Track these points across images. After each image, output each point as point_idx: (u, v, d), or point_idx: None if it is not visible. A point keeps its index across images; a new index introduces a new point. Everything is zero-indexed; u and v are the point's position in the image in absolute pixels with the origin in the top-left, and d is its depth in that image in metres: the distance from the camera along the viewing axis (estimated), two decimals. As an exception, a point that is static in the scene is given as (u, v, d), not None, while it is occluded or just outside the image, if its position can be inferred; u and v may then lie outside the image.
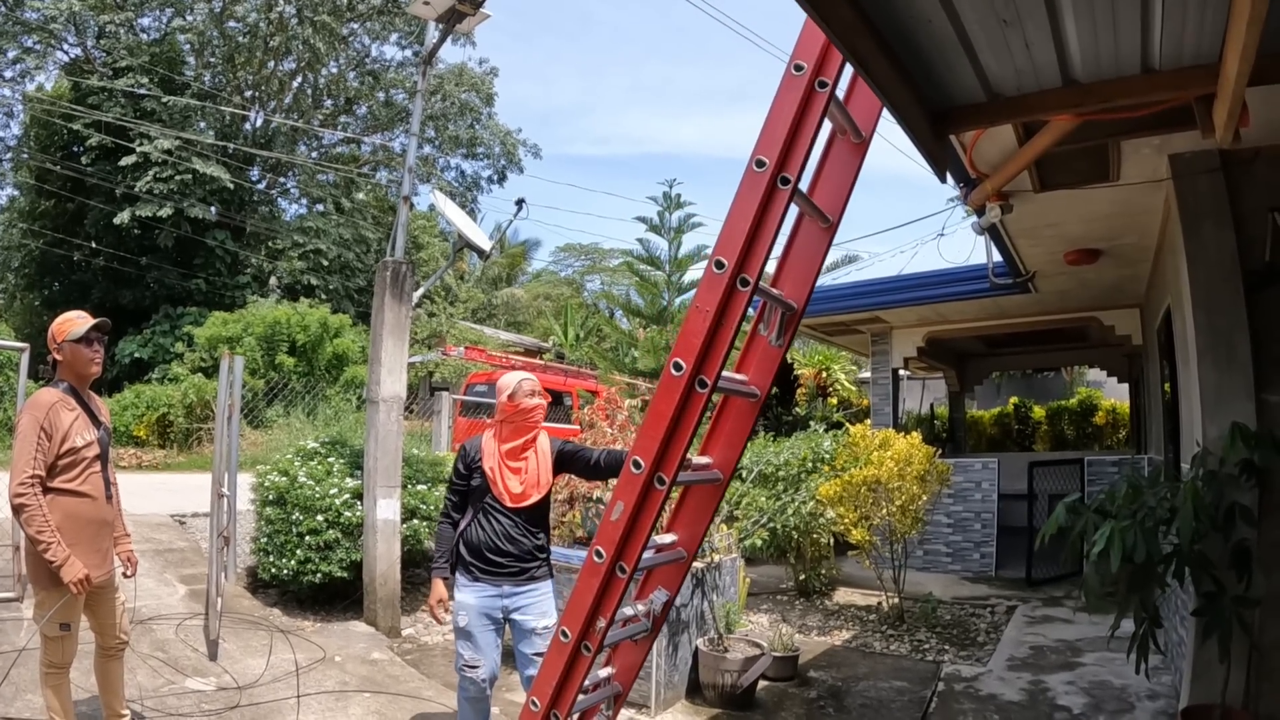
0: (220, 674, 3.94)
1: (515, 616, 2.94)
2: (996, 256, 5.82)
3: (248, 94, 21.75)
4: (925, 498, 5.40)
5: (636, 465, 2.22)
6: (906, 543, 5.71)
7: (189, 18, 19.75)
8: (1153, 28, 2.18)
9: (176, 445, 14.12)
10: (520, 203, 6.37)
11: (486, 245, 6.43)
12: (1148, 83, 2.46)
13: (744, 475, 6.69)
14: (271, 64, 21.42)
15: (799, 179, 2.19)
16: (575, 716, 2.52)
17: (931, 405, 13.33)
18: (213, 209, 19.08)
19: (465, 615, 2.92)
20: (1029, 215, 4.60)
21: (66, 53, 19.86)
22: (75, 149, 18.94)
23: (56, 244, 19.01)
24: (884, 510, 5.31)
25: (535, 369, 13.22)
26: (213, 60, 21.02)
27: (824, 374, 14.55)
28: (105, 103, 18.10)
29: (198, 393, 14.15)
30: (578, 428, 6.36)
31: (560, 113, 70.04)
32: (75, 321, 2.92)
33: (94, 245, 18.86)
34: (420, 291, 5.58)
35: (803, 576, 6.39)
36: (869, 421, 7.80)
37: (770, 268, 2.38)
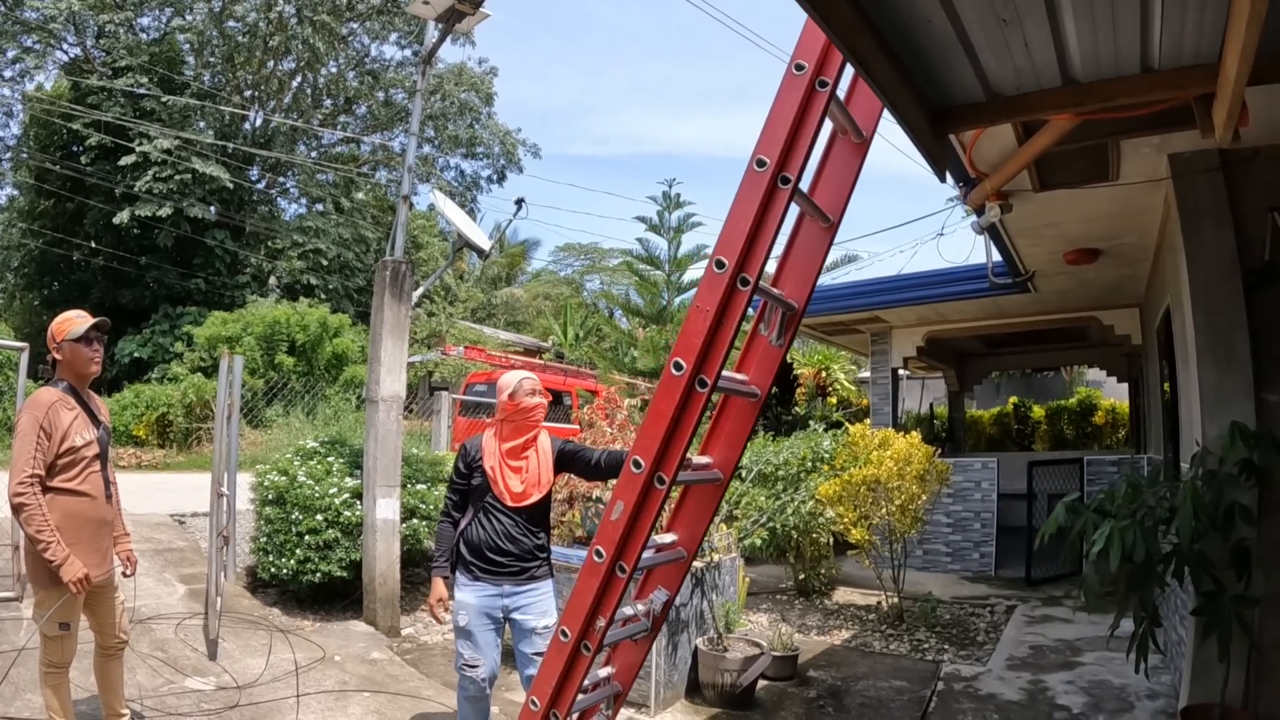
0: (220, 673, 3.94)
1: (515, 616, 2.94)
2: (996, 256, 5.82)
3: (247, 94, 21.75)
4: (925, 497, 5.41)
5: (636, 465, 2.22)
6: (906, 542, 5.71)
7: (188, 17, 19.74)
8: (1152, 27, 2.18)
9: (176, 445, 14.12)
10: (520, 202, 6.39)
11: (486, 245, 6.43)
12: (1147, 82, 2.47)
13: (744, 475, 6.69)
14: (271, 63, 21.42)
15: (799, 178, 2.18)
16: (575, 716, 2.52)
17: (931, 405, 13.33)
18: (212, 209, 19.07)
19: (465, 614, 2.92)
20: (1028, 215, 4.60)
21: (66, 52, 19.87)
22: (75, 149, 18.93)
23: (56, 243, 19.00)
24: (883, 510, 5.31)
25: (535, 368, 13.22)
26: (212, 60, 21.02)
27: (823, 373, 14.55)
28: (105, 102, 18.10)
29: (197, 392, 14.14)
30: (577, 427, 6.36)
31: (560, 113, 70.13)
32: (74, 321, 2.92)
33: (93, 245, 18.86)
34: (420, 291, 5.58)
35: (802, 576, 6.39)
36: (868, 421, 7.80)
37: (771, 267, 2.38)
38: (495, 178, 25.95)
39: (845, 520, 5.40)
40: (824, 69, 2.19)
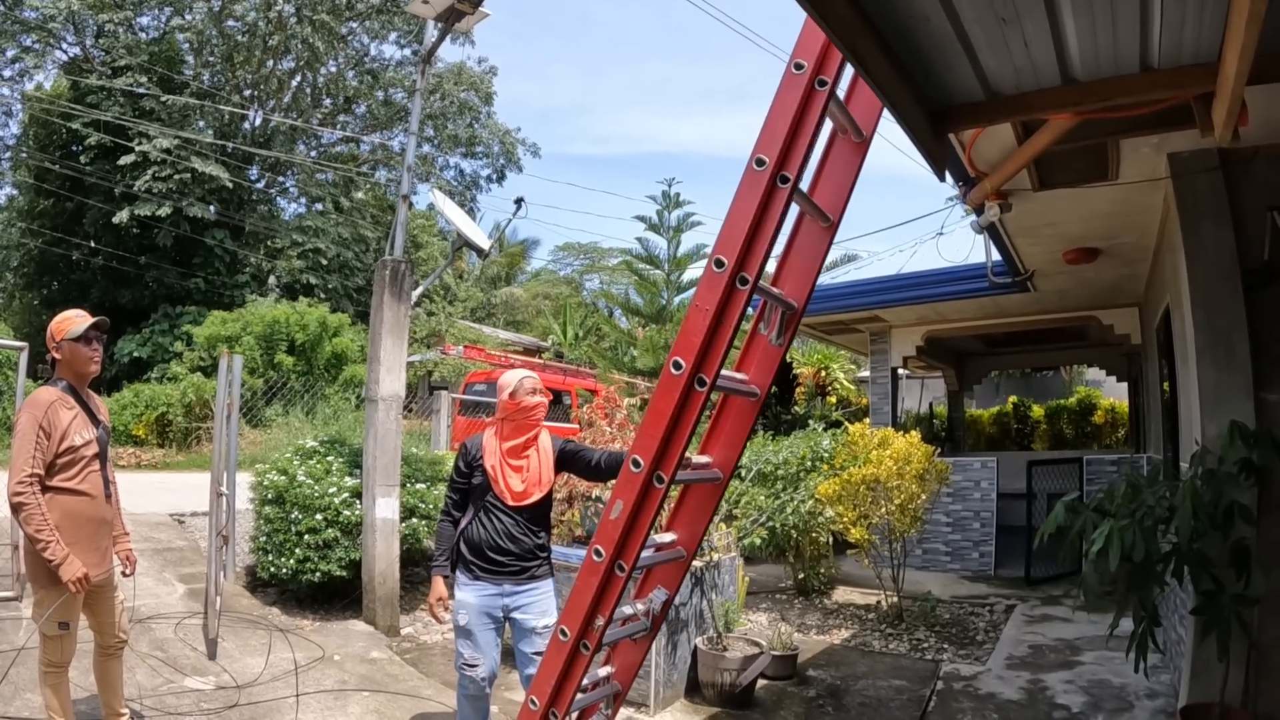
0: (219, 673, 3.94)
1: (515, 615, 2.94)
2: (995, 255, 5.82)
3: (246, 93, 21.73)
4: (924, 497, 5.41)
5: (636, 464, 2.22)
6: (905, 541, 5.71)
7: (188, 17, 19.72)
8: (1152, 26, 2.18)
9: (175, 444, 14.11)
10: (519, 202, 6.38)
11: (485, 244, 6.43)
12: (1147, 81, 2.46)
13: (743, 474, 6.69)
14: (270, 63, 21.40)
15: (799, 178, 2.18)
16: (574, 715, 2.52)
17: (930, 404, 13.34)
18: (211, 208, 19.06)
19: (465, 614, 2.92)
20: (1028, 214, 4.60)
21: (65, 52, 19.85)
22: (74, 148, 18.91)
23: (55, 243, 18.99)
24: (883, 509, 5.31)
25: (534, 368, 13.22)
26: (211, 59, 21.01)
27: (823, 373, 14.56)
28: (104, 102, 18.08)
29: (196, 392, 14.14)
30: (577, 427, 6.36)
31: (559, 112, 70.11)
32: (74, 320, 2.92)
33: (93, 244, 18.84)
34: (419, 290, 5.57)
35: (802, 575, 6.39)
36: (868, 420, 7.81)
37: (770, 266, 2.38)
38: (495, 177, 25.95)
39: (845, 519, 5.40)
40: (823, 68, 2.19)
